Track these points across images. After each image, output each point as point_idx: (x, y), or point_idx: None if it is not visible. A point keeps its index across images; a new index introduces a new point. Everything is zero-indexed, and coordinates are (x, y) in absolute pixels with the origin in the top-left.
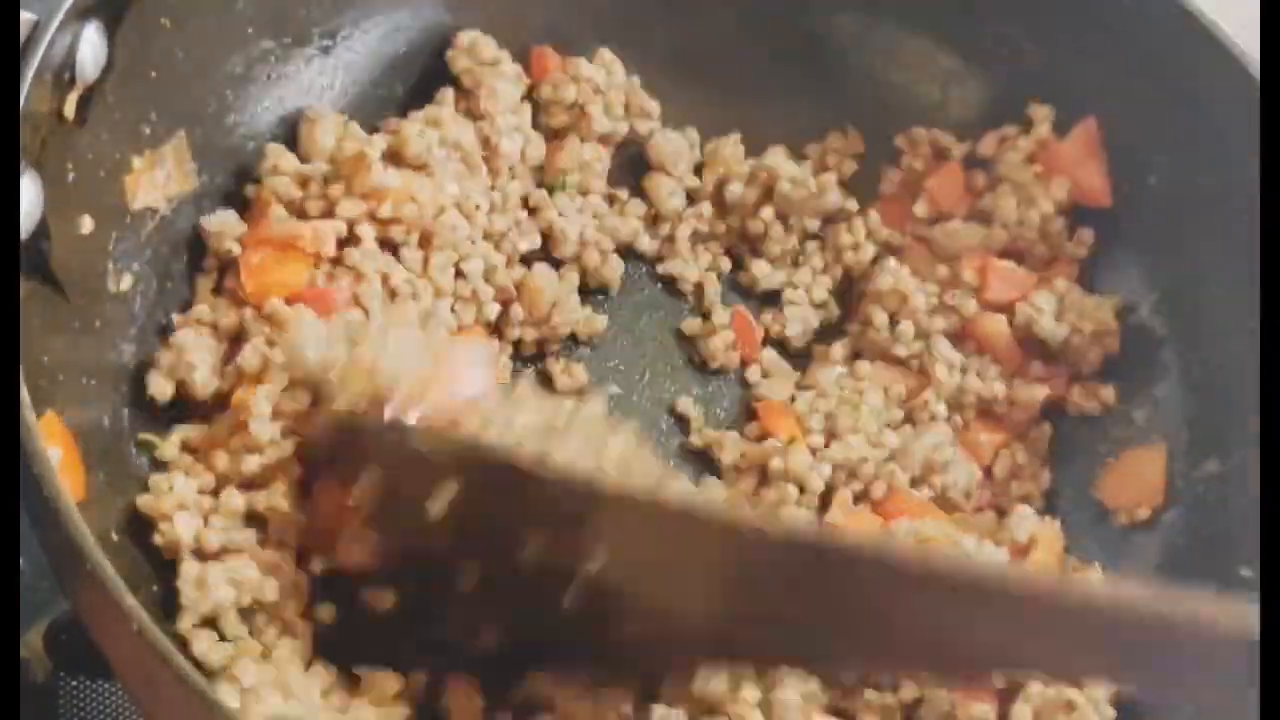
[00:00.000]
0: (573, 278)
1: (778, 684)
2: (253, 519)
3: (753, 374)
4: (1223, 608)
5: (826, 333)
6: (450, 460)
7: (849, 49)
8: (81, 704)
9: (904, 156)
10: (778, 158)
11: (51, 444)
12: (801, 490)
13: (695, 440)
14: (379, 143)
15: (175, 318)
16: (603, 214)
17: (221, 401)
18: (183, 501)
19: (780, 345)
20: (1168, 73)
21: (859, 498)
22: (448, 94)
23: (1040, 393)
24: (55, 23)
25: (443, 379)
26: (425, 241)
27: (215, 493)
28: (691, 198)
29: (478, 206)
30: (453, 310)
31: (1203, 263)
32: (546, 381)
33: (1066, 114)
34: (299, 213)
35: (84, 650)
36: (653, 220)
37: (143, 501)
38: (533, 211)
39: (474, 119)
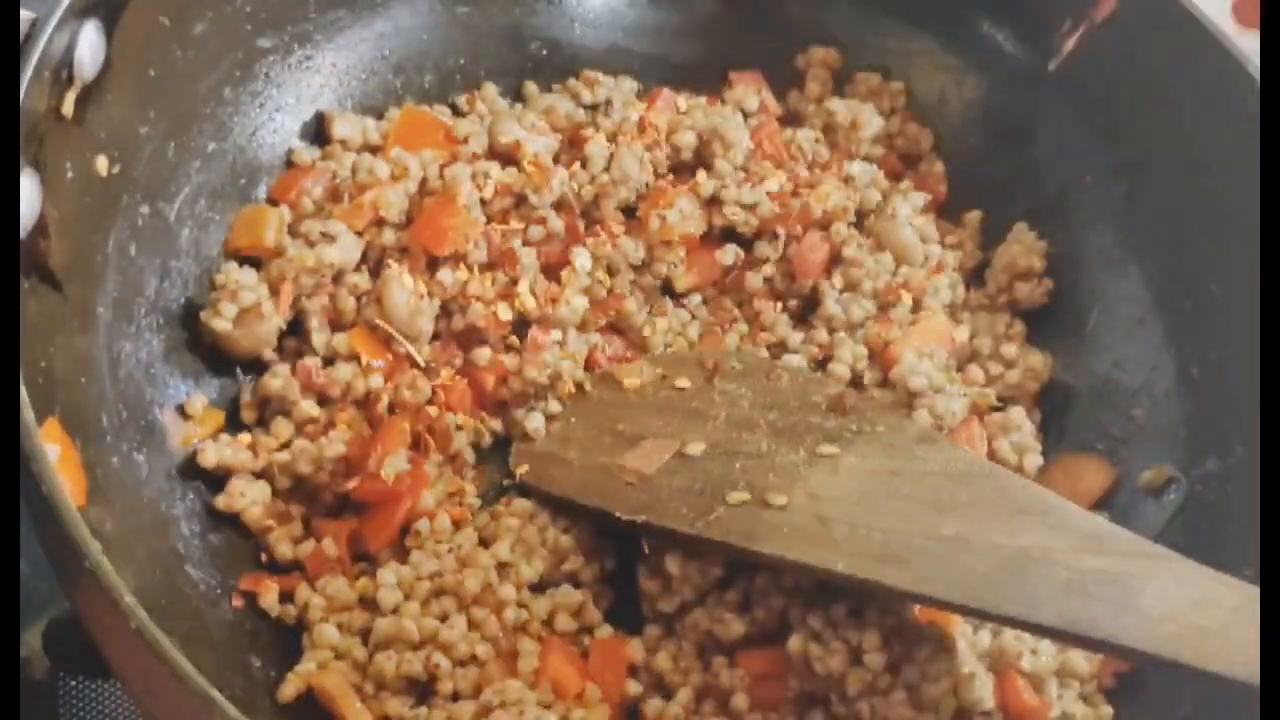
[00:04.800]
0: None
1: None
2: None
3: None
4: None
5: None
6: None
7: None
8: (80, 703)
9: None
10: None
11: (50, 443)
12: None
13: None
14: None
15: None
16: None
17: None
18: None
19: None
20: (1168, 73)
21: None
22: None
23: None
24: (54, 21)
25: None
26: None
27: None
28: None
29: None
30: None
31: (1203, 262)
32: None
33: (1069, 114)
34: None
35: (83, 649)
36: None
37: None
38: None
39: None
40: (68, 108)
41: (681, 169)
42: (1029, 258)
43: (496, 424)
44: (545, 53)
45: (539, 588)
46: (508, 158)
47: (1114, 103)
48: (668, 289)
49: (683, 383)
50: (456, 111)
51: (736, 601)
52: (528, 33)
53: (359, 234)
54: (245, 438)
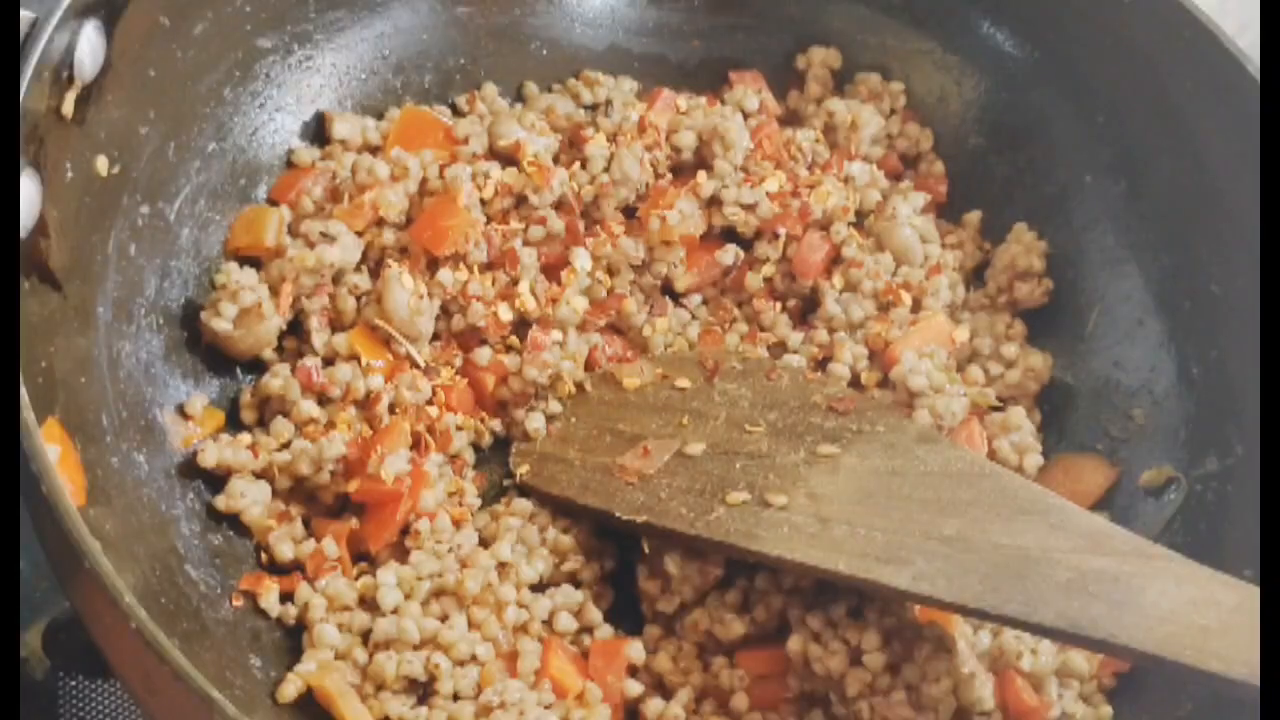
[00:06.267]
0: None
1: None
2: None
3: None
4: None
5: None
6: None
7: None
8: (80, 703)
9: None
10: None
11: (50, 442)
12: None
13: None
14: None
15: None
16: None
17: None
18: None
19: None
20: (1168, 73)
21: None
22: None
23: None
24: (54, 21)
25: None
26: None
27: None
28: None
29: None
30: None
31: (1203, 262)
32: None
33: (1068, 114)
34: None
35: (82, 649)
36: None
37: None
38: None
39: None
40: (68, 108)
41: (681, 169)
42: (1029, 258)
43: (496, 424)
44: (545, 53)
45: (539, 588)
46: (508, 158)
47: (1114, 103)
48: (668, 289)
49: (683, 383)
50: (456, 111)
51: (736, 601)
52: (528, 33)
53: (359, 234)
54: (245, 438)
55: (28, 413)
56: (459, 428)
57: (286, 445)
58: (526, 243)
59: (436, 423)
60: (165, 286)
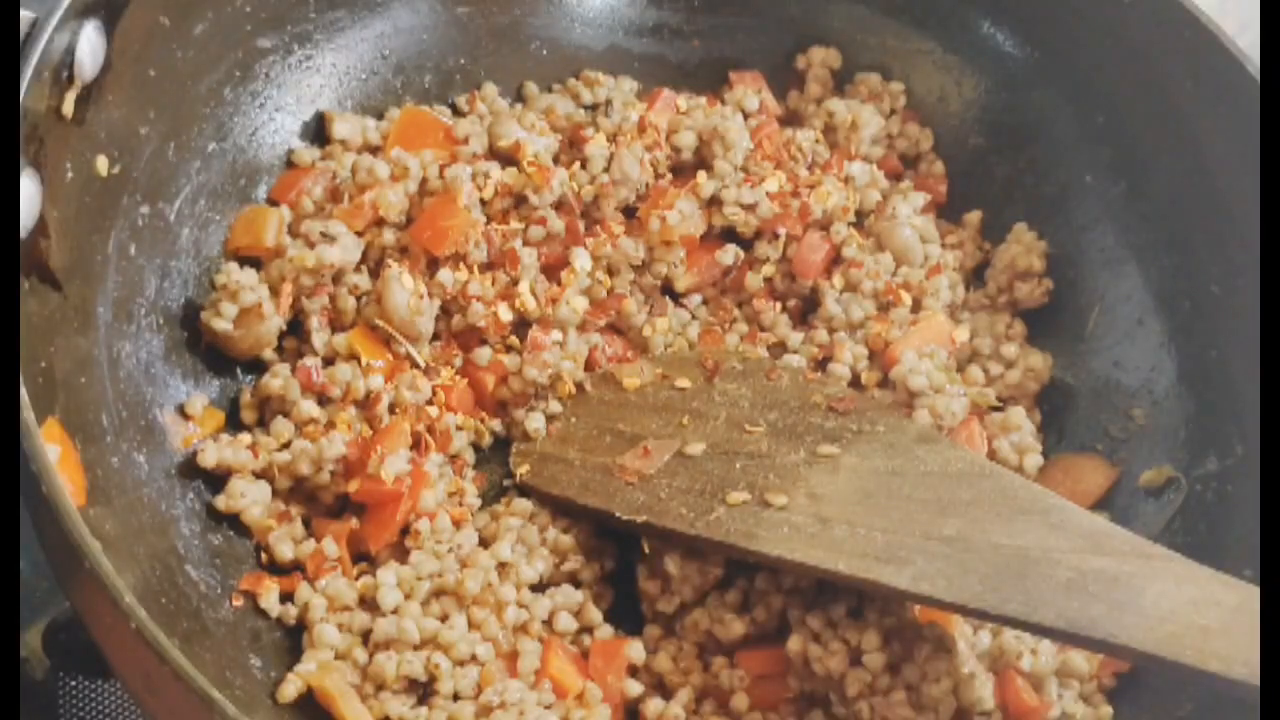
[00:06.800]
0: None
1: None
2: None
3: None
4: None
5: None
6: None
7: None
8: (80, 703)
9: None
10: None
11: (50, 443)
12: None
13: None
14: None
15: None
16: None
17: None
18: None
19: None
20: (1168, 73)
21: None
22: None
23: None
24: (54, 21)
25: None
26: None
27: None
28: None
29: None
30: None
31: (1203, 262)
32: None
33: (1068, 114)
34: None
35: (82, 649)
36: None
37: None
38: None
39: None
40: (68, 108)
41: (681, 169)
42: (1029, 258)
43: (496, 424)
44: (545, 53)
45: (539, 588)
46: (508, 158)
47: (1114, 103)
48: (668, 289)
49: (683, 383)
50: (456, 111)
51: (736, 601)
52: (528, 33)
53: (359, 234)
54: (245, 438)
55: (28, 413)
56: (459, 428)
57: (286, 445)
58: (526, 243)
59: (436, 423)
60: (165, 286)
